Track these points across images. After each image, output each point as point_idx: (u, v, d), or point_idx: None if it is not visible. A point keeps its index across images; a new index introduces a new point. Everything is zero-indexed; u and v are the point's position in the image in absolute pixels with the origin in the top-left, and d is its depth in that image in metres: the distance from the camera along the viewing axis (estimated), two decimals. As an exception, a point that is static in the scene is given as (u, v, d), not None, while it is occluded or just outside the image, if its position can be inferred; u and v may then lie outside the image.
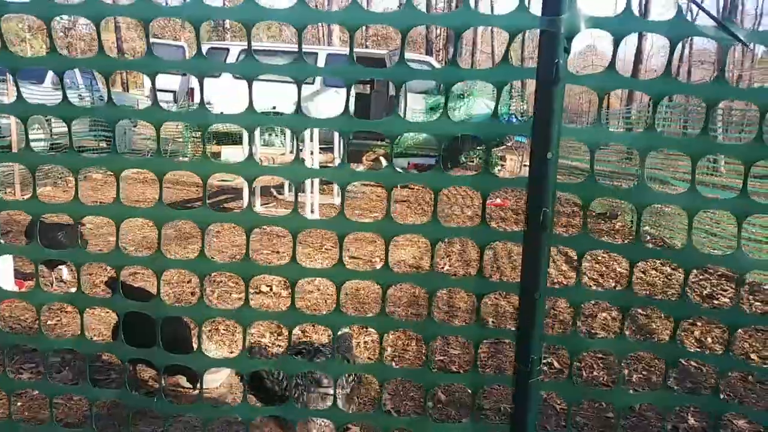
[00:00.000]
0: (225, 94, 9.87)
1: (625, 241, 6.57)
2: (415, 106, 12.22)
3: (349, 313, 3.91)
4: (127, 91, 25.77)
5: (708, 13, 1.28)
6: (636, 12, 1.34)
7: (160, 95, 13.20)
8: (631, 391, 2.85)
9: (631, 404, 1.54)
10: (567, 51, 1.28)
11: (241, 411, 1.72)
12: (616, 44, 1.33)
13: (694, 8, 1.35)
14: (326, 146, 10.27)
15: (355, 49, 1.51)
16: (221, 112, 1.87)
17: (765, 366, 3.24)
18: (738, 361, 2.59)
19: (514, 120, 10.77)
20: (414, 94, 12.11)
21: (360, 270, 4.64)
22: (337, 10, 1.42)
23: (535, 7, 1.30)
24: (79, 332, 1.73)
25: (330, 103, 11.47)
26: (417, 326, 1.69)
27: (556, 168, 1.33)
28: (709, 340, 3.63)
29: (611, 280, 5.02)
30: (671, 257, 3.06)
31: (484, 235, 1.46)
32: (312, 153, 7.48)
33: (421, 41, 27.09)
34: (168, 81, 12.63)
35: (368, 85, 13.75)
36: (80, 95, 11.73)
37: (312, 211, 7.15)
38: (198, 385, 1.87)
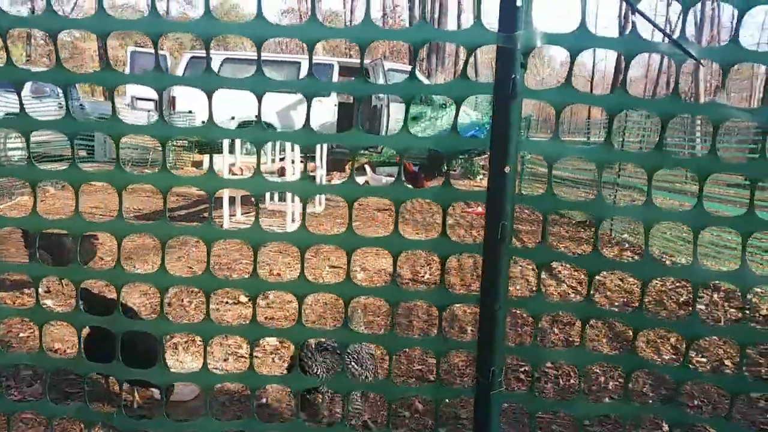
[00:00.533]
0: (206, 103, 9.80)
1: (604, 250, 6.65)
2: (398, 116, 12.27)
3: (321, 326, 3.90)
4: (108, 99, 25.46)
5: (660, 30, 1.31)
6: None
7: (140, 104, 13.13)
8: (607, 399, 2.89)
9: (592, 414, 1.54)
10: (524, 66, 1.30)
11: (204, 426, 1.70)
12: (572, 59, 1.35)
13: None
14: (309, 155, 10.25)
15: (337, 59, 1.53)
16: (203, 121, 1.85)
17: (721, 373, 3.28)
18: (690, 371, 2.61)
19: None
20: (397, 104, 12.17)
21: (328, 282, 4.65)
22: (295, 25, 1.42)
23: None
24: (57, 345, 1.71)
25: (315, 111, 11.44)
26: (378, 339, 1.69)
27: (514, 181, 1.35)
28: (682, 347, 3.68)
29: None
30: (628, 267, 3.08)
31: (443, 247, 1.46)
32: (293, 162, 7.46)
33: (405, 51, 27.23)
34: (149, 90, 12.51)
35: (351, 95, 13.79)
36: (59, 104, 11.59)
37: (293, 220, 7.12)
38: (164, 398, 1.84)
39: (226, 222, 6.93)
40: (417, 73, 13.83)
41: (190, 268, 5.27)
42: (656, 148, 1.38)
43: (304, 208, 1.81)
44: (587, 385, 3.05)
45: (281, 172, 7.31)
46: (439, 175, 11.91)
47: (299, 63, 12.75)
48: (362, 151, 12.30)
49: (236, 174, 7.23)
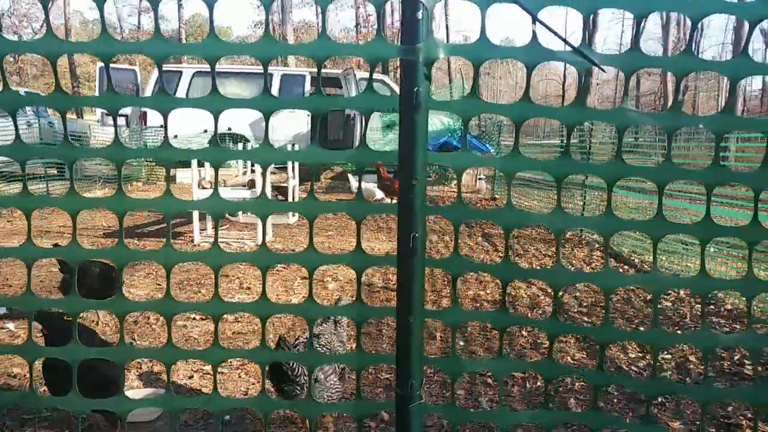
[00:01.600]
0: (179, 117, 9.73)
1: (575, 251, 6.71)
2: (371, 124, 12.30)
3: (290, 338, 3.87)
4: (82, 117, 25.24)
5: (561, 38, 1.33)
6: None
7: (110, 120, 12.97)
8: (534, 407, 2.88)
9: (513, 422, 1.53)
10: (428, 78, 1.31)
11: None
12: (477, 70, 1.37)
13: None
14: (281, 166, 10.21)
15: (310, 70, 1.52)
16: (175, 135, 1.80)
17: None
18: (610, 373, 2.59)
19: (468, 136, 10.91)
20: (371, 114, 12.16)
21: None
22: (251, 43, 1.41)
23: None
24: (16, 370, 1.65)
25: (287, 122, 11.46)
26: (299, 356, 1.68)
27: (424, 193, 1.35)
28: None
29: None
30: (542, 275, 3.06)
31: (358, 260, 1.46)
32: (263, 174, 7.41)
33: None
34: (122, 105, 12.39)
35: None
36: (28, 122, 11.44)
37: (265, 233, 7.06)
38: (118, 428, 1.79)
39: (197, 237, 6.87)
40: (389, 81, 13.87)
41: (159, 284, 5.20)
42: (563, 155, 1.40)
43: (264, 224, 1.77)
44: (512, 393, 2.99)
45: (250, 184, 7.27)
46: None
47: (272, 75, 12.72)
48: (338, 161, 12.29)
49: (205, 188, 7.17)
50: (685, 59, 1.40)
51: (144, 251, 1.75)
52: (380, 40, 1.31)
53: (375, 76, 14.36)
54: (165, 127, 1.51)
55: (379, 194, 10.16)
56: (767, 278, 4.62)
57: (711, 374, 3.36)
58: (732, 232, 1.55)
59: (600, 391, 1.59)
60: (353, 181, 10.09)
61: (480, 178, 12.00)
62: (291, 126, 12.14)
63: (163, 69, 1.45)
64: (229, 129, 11.90)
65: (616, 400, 3.00)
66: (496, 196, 11.54)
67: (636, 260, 6.17)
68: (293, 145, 9.68)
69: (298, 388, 2.26)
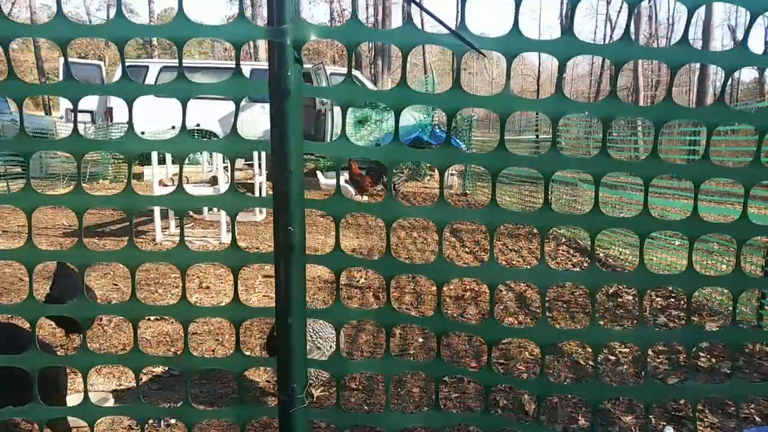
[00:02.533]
0: (146, 113, 9.55)
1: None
2: (341, 120, 12.19)
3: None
4: (50, 114, 24.71)
5: (439, 21, 1.26)
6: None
7: (78, 116, 12.73)
8: (425, 409, 2.82)
9: (402, 426, 1.44)
10: (299, 61, 1.23)
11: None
12: (350, 53, 1.29)
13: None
14: (249, 162, 10.07)
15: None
16: (142, 132, 1.66)
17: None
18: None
19: (438, 131, 10.87)
20: (341, 108, 12.06)
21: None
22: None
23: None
24: None
25: (257, 118, 11.32)
26: (172, 360, 1.59)
27: (301, 184, 1.27)
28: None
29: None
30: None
31: (236, 259, 1.38)
32: (226, 170, 7.31)
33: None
34: (85, 101, 12.16)
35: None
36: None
37: (228, 231, 6.95)
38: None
39: (159, 235, 6.72)
40: (360, 77, 13.77)
41: (116, 284, 5.06)
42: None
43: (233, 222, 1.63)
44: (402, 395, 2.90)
45: (213, 181, 7.14)
46: (384, 178, 11.86)
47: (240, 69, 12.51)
48: (308, 157, 12.17)
49: (167, 185, 7.02)
50: (622, 46, 1.33)
51: (108, 252, 1.60)
52: (244, 20, 1.22)
53: (344, 70, 14.25)
54: (130, 114, 1.39)
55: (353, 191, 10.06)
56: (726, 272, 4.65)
57: (667, 368, 3.35)
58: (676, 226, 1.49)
59: (490, 391, 1.52)
60: (322, 179, 9.96)
61: (452, 174, 11.97)
62: (262, 121, 11.99)
63: (130, 64, 1.33)
64: (198, 125, 11.72)
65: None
66: (467, 191, 11.52)
67: (600, 254, 6.18)
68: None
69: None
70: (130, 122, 1.40)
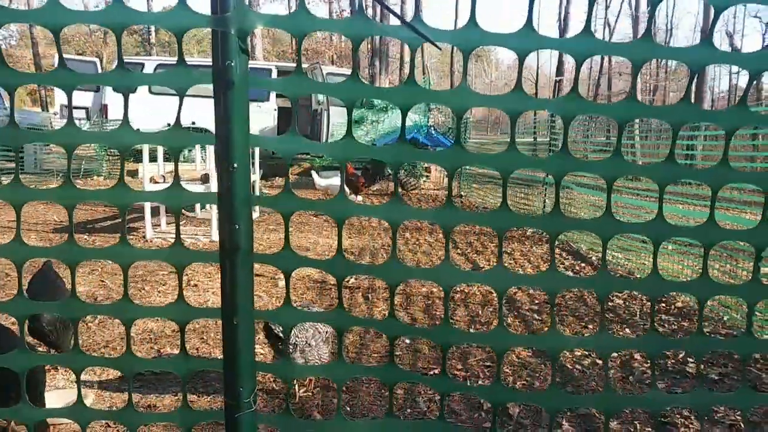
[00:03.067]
0: (142, 111, 9.55)
1: (534, 248, 6.64)
2: (338, 120, 12.15)
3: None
4: (47, 110, 24.66)
5: (394, 13, 1.21)
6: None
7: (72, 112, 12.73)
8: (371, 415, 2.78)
9: None
10: (244, 51, 1.17)
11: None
12: (300, 43, 1.24)
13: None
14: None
15: (276, 63, 1.35)
16: (137, 130, 1.63)
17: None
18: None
19: (433, 132, 10.82)
20: (337, 108, 12.04)
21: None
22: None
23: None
24: None
25: (254, 116, 11.27)
26: (114, 362, 1.53)
27: (247, 179, 1.22)
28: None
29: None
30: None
31: (181, 257, 1.32)
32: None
33: (347, 54, 27.09)
34: (80, 97, 12.13)
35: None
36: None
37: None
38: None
39: (149, 232, 6.67)
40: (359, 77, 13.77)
41: (103, 281, 5.02)
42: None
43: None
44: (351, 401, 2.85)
45: (204, 179, 7.09)
46: (381, 179, 11.82)
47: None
48: (305, 156, 12.13)
49: (157, 182, 6.97)
50: (582, 41, 1.28)
51: (100, 249, 1.52)
52: (184, 7, 1.17)
53: (342, 70, 14.26)
54: (125, 106, 1.34)
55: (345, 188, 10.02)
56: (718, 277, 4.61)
57: (656, 372, 3.30)
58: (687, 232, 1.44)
59: (447, 397, 1.46)
60: (317, 179, 9.92)
61: (447, 176, 11.91)
62: (258, 120, 11.95)
63: (126, 61, 1.27)
64: (193, 123, 11.67)
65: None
66: (462, 193, 11.48)
67: (594, 258, 6.14)
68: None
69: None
70: (125, 114, 1.31)
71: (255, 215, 8.19)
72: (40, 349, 3.12)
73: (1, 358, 1.49)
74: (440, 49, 1.24)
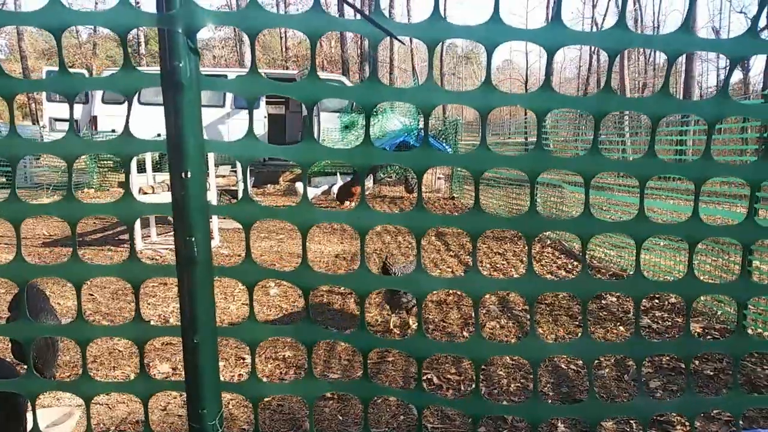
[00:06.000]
0: (133, 122, 9.42)
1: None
2: (328, 125, 12.10)
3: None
4: (37, 123, 24.50)
5: (352, 6, 1.16)
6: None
7: (60, 125, 12.59)
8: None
9: None
10: (194, 51, 1.12)
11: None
12: (252, 40, 1.18)
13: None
14: (233, 169, 9.96)
15: (266, 70, 1.29)
16: (83, 136, 1.52)
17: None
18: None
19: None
20: (327, 113, 12.00)
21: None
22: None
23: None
24: None
25: (242, 125, 11.22)
26: (68, 386, 1.47)
27: (202, 189, 1.16)
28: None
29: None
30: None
31: (136, 271, 1.26)
32: (207, 176, 7.20)
33: (337, 60, 27.03)
34: (67, 110, 12.04)
35: (282, 106, 13.54)
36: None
37: (212, 237, 6.84)
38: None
39: (139, 244, 6.60)
40: (346, 81, 13.69)
41: (92, 294, 4.94)
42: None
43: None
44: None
45: (193, 188, 6.99)
46: (374, 183, 11.77)
47: (226, 76, 12.46)
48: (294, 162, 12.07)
49: (147, 193, 6.89)
50: (549, 31, 1.23)
51: (91, 267, 1.43)
52: (127, 6, 1.11)
53: (332, 76, 14.25)
54: (129, 107, 1.27)
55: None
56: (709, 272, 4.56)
57: (650, 371, 3.26)
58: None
59: (421, 412, 1.40)
60: (299, 188, 9.80)
61: (439, 178, 11.88)
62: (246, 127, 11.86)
63: (113, 72, 1.21)
64: (159, 135, 11.57)
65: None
66: (455, 195, 11.43)
67: (587, 256, 6.09)
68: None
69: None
70: (127, 122, 1.24)
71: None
72: (22, 371, 3.05)
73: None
74: (403, 43, 1.18)
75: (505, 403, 2.77)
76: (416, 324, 1.31)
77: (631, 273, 4.87)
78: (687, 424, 2.65)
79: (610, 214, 6.34)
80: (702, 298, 4.33)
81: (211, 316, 1.20)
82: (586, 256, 5.22)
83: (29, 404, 2.07)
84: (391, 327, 3.98)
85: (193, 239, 1.14)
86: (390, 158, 1.33)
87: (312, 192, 9.86)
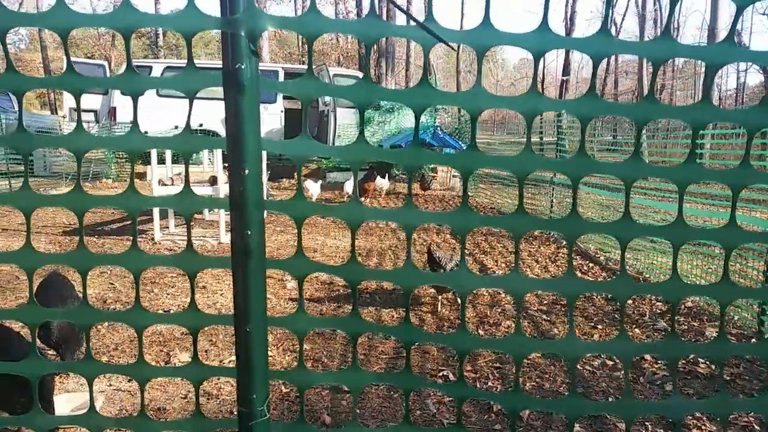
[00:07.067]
0: (150, 113, 9.57)
1: (542, 248, 6.60)
2: (344, 121, 12.15)
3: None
4: (56, 113, 24.82)
5: (407, 14, 1.20)
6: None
7: (81, 115, 12.76)
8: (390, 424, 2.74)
9: None
10: (255, 54, 1.17)
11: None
12: (310, 45, 1.23)
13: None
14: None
15: (283, 65, 1.34)
16: (145, 132, 1.60)
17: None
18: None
19: (440, 132, 10.79)
20: (343, 109, 12.04)
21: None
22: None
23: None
24: None
25: (261, 118, 11.29)
26: (128, 369, 1.53)
27: (259, 185, 1.21)
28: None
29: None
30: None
31: (193, 262, 1.32)
32: (226, 170, 7.28)
33: (354, 55, 27.04)
34: (89, 100, 12.20)
35: (299, 101, 13.59)
36: (-7, 116, 11.17)
37: (227, 232, 6.93)
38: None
39: (157, 235, 6.69)
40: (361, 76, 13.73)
41: (112, 284, 5.03)
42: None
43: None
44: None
45: (213, 181, 7.11)
46: (389, 179, 11.79)
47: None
48: (312, 157, 12.13)
49: (166, 185, 6.99)
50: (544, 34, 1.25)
51: (112, 256, 1.49)
52: (194, 9, 1.16)
53: (349, 71, 14.26)
54: (135, 110, 1.33)
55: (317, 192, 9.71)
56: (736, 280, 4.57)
57: (665, 373, 3.28)
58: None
59: (462, 403, 1.44)
60: (310, 185, 9.65)
61: (454, 176, 11.89)
62: (264, 122, 11.94)
63: (134, 65, 1.27)
64: (201, 125, 11.71)
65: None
66: (470, 193, 11.44)
67: (602, 258, 6.10)
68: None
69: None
70: (135, 119, 1.31)
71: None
72: (49, 352, 3.13)
73: (15, 365, 1.49)
74: (454, 49, 1.23)
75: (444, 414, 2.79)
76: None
77: (649, 276, 4.84)
78: (703, 426, 2.68)
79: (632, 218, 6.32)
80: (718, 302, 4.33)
81: (262, 306, 1.25)
82: (602, 259, 5.22)
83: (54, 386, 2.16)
84: (439, 308, 4.29)
85: (250, 233, 1.19)
86: (444, 160, 1.37)
87: (312, 186, 9.53)
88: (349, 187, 9.93)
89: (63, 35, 1.27)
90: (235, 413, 1.29)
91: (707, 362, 3.38)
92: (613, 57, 32.19)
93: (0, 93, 12.12)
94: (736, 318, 4.13)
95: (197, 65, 1.28)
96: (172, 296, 4.61)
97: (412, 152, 1.29)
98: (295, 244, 4.81)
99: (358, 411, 2.70)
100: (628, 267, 5.59)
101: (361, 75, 14.50)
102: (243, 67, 1.15)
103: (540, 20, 1.25)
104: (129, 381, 3.03)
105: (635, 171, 1.28)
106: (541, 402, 2.30)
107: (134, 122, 1.32)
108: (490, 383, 3.13)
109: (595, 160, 1.33)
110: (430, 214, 1.34)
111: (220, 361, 3.35)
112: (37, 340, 2.77)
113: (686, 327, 4.05)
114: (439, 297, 4.33)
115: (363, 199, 9.86)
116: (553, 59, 38.22)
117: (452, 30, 1.19)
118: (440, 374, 3.22)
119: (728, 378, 3.19)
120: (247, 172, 1.19)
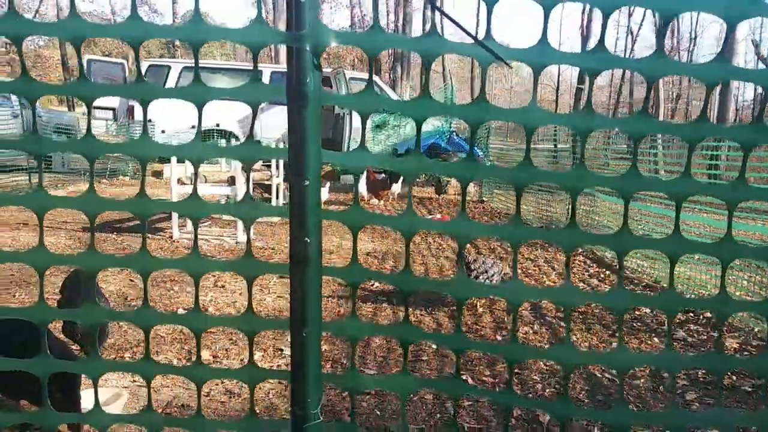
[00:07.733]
0: (167, 112, 9.66)
1: (558, 255, 6.61)
2: (358, 125, 12.19)
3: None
4: (73, 109, 25.12)
5: (464, 30, 1.23)
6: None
7: (99, 113, 12.86)
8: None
9: None
10: (317, 68, 1.21)
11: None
12: (371, 61, 1.26)
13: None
14: (266, 163, 10.09)
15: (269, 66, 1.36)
16: (163, 131, 1.62)
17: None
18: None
19: (455, 137, 10.81)
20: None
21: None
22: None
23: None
24: None
25: (276, 120, 11.37)
26: (185, 370, 1.57)
27: (318, 194, 1.25)
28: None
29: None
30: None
31: (252, 268, 1.36)
32: (244, 170, 7.35)
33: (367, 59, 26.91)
34: (107, 98, 12.33)
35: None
36: (13, 113, 11.32)
37: (245, 232, 6.99)
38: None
39: (176, 233, 6.77)
40: (380, 82, 13.77)
41: (132, 281, 5.10)
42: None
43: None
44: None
45: (231, 181, 7.18)
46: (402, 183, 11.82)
47: (261, 72, 12.62)
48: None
49: (185, 183, 7.07)
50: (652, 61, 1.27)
51: (117, 258, 1.55)
52: (262, 24, 1.20)
53: (363, 75, 14.27)
54: (144, 116, 1.37)
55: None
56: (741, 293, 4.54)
57: (686, 383, 3.29)
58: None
59: (512, 411, 1.47)
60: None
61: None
62: (281, 123, 12.02)
63: (152, 64, 1.31)
64: (217, 125, 11.82)
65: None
66: (484, 198, 11.44)
67: (616, 265, 6.09)
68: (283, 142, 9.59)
69: None
70: (144, 124, 1.38)
71: (277, 218, 8.27)
72: (73, 347, 3.18)
73: (63, 364, 1.53)
74: (511, 67, 1.26)
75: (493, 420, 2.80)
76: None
77: (665, 285, 4.84)
78: None
79: (642, 226, 6.33)
80: (739, 313, 4.32)
81: (318, 311, 1.29)
82: (616, 266, 5.18)
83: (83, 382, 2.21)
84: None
85: (309, 241, 1.23)
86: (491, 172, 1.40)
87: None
88: (362, 188, 10.00)
89: (77, 45, 1.30)
90: (260, 412, 1.32)
91: (729, 373, 3.38)
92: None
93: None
94: (756, 330, 4.12)
95: (230, 67, 1.32)
96: (191, 294, 4.67)
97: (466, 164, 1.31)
98: (327, 246, 4.84)
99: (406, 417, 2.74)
100: (645, 276, 5.60)
101: (377, 79, 14.58)
102: (308, 80, 1.19)
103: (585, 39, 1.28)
104: (164, 377, 3.06)
105: (686, 188, 1.30)
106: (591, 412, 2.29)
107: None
108: (537, 392, 3.14)
109: (646, 177, 1.35)
110: (483, 226, 1.38)
111: (241, 360, 3.40)
112: (62, 335, 2.83)
113: (705, 337, 4.05)
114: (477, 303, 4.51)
115: (375, 200, 9.90)
116: (567, 66, 38.05)
117: (511, 48, 1.22)
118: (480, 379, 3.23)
119: (750, 389, 3.19)
120: (307, 183, 1.23)
